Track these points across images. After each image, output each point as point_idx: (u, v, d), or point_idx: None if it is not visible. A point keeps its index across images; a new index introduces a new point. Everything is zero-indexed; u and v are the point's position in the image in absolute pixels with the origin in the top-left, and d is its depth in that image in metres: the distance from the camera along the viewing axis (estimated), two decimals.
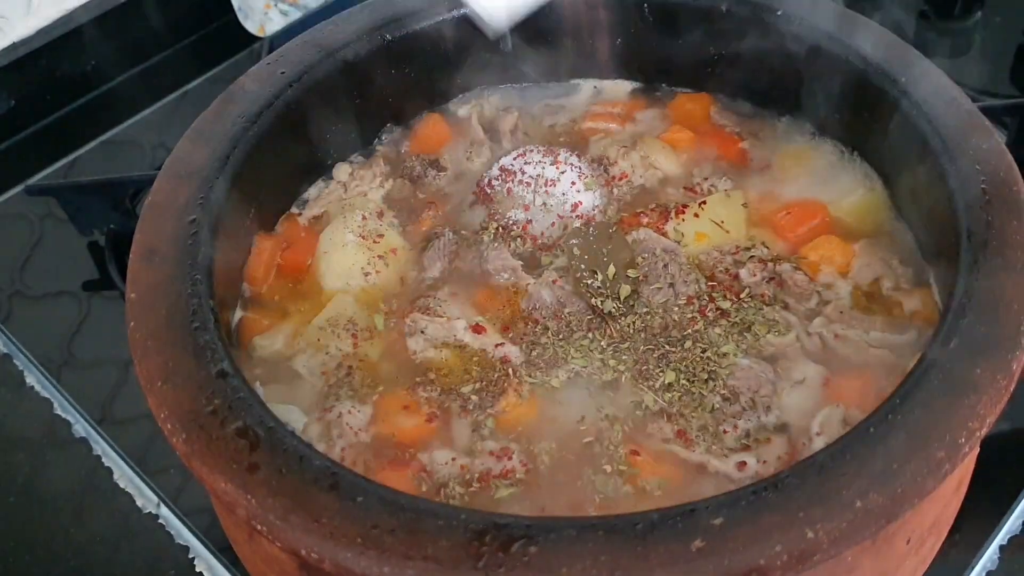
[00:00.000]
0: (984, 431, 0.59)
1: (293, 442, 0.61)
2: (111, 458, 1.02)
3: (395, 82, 0.94)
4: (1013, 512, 0.91)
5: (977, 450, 0.75)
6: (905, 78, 0.79)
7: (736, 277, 0.82)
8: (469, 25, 0.92)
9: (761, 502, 0.56)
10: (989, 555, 0.89)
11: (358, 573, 0.55)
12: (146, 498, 0.99)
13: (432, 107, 1.00)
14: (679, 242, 0.85)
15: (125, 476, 1.01)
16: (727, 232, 0.86)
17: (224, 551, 0.94)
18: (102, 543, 0.96)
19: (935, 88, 0.78)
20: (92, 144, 1.40)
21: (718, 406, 0.74)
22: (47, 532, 0.97)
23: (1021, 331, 0.62)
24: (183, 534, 0.96)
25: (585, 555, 0.54)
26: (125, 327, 1.15)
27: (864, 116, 0.85)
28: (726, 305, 0.80)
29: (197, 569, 0.93)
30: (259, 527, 0.58)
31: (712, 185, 0.90)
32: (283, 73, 0.85)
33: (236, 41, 1.47)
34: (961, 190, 0.71)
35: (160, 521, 0.97)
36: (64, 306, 1.19)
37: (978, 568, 0.88)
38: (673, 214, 0.88)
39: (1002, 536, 0.90)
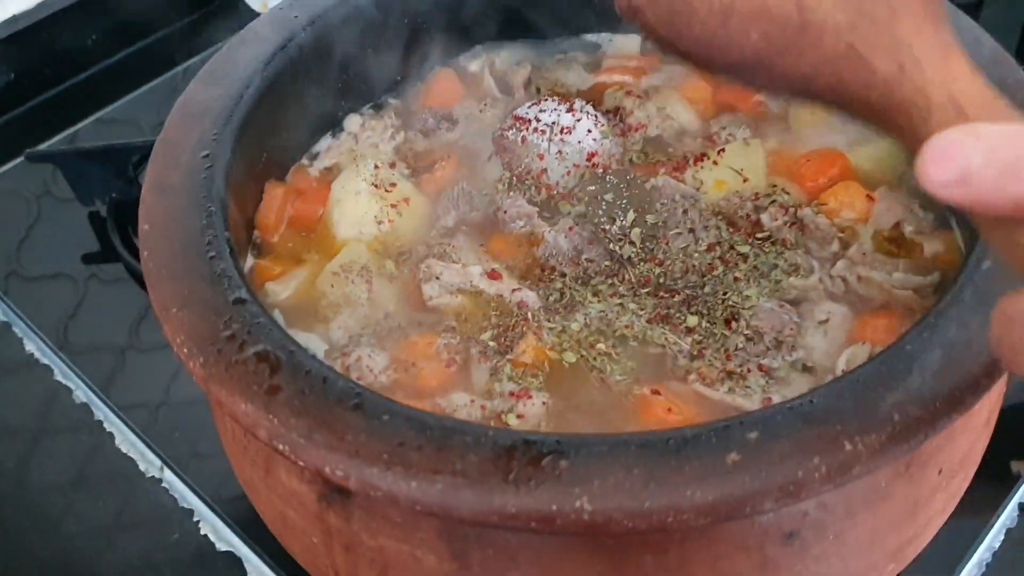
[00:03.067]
0: None
1: (315, 364, 0.60)
2: (112, 423, 1.00)
3: (406, 33, 0.93)
4: None
5: (1004, 388, 0.74)
6: None
7: (757, 223, 0.81)
8: None
9: (797, 416, 0.55)
10: (1008, 513, 0.88)
11: (384, 490, 0.54)
12: (149, 462, 0.97)
13: (444, 62, 0.99)
14: (698, 189, 0.85)
15: (127, 441, 0.99)
16: (746, 180, 0.85)
17: (230, 511, 0.92)
18: (104, 508, 0.94)
19: (955, 25, 0.77)
20: (90, 119, 1.38)
21: (741, 346, 0.73)
22: (47, 500, 0.95)
23: None
24: (188, 497, 0.94)
25: (618, 468, 0.53)
26: (125, 310, 1.13)
27: None
28: (746, 250, 0.79)
29: (202, 532, 0.92)
30: (281, 447, 0.56)
31: (731, 134, 0.90)
32: (296, 17, 0.84)
33: (239, 18, 1.46)
34: None
35: (164, 485, 0.95)
36: (62, 287, 1.17)
37: (997, 526, 0.87)
38: (691, 162, 0.87)
39: (1021, 495, 0.89)
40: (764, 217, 0.81)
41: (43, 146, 1.34)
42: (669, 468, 0.53)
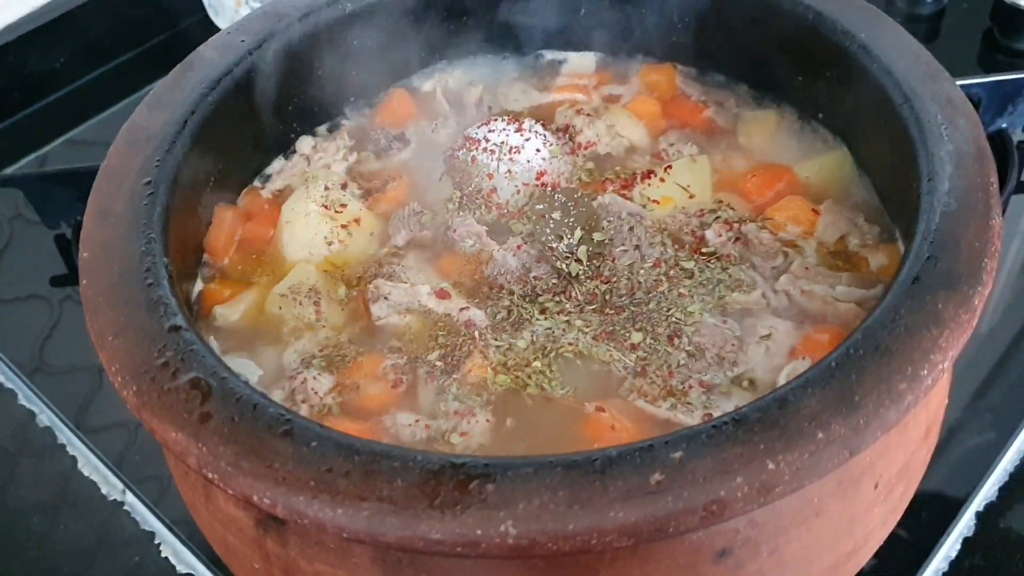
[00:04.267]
0: (947, 364, 0.58)
1: (246, 392, 0.60)
2: (76, 447, 1.01)
3: (357, 54, 0.93)
4: (989, 479, 0.91)
5: (946, 400, 0.74)
6: (864, 33, 0.79)
7: (702, 239, 0.82)
8: None
9: (721, 436, 0.55)
10: (965, 522, 0.88)
11: (311, 517, 0.54)
12: (111, 485, 0.97)
13: (396, 81, 0.99)
14: (645, 207, 0.85)
15: (90, 464, 0.99)
16: (692, 197, 0.85)
17: (190, 535, 0.92)
18: (67, 531, 0.94)
19: (893, 41, 0.78)
20: (59, 141, 1.39)
21: (683, 362, 0.73)
22: (9, 522, 0.95)
23: (982, 268, 0.62)
24: (149, 520, 0.94)
25: (543, 490, 0.53)
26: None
27: (824, 75, 0.85)
28: (691, 266, 0.79)
29: (163, 555, 0.92)
30: (210, 475, 0.56)
31: (678, 151, 0.90)
32: (243, 41, 0.85)
33: (208, 38, 1.47)
34: (921, 137, 0.71)
35: (125, 508, 0.96)
36: (36, 309, 1.17)
37: (954, 534, 0.87)
38: (639, 179, 0.87)
39: (978, 503, 0.89)
40: (709, 233, 0.82)
41: (12, 168, 1.35)
42: (594, 489, 0.53)
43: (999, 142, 0.98)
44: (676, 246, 0.81)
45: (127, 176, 0.74)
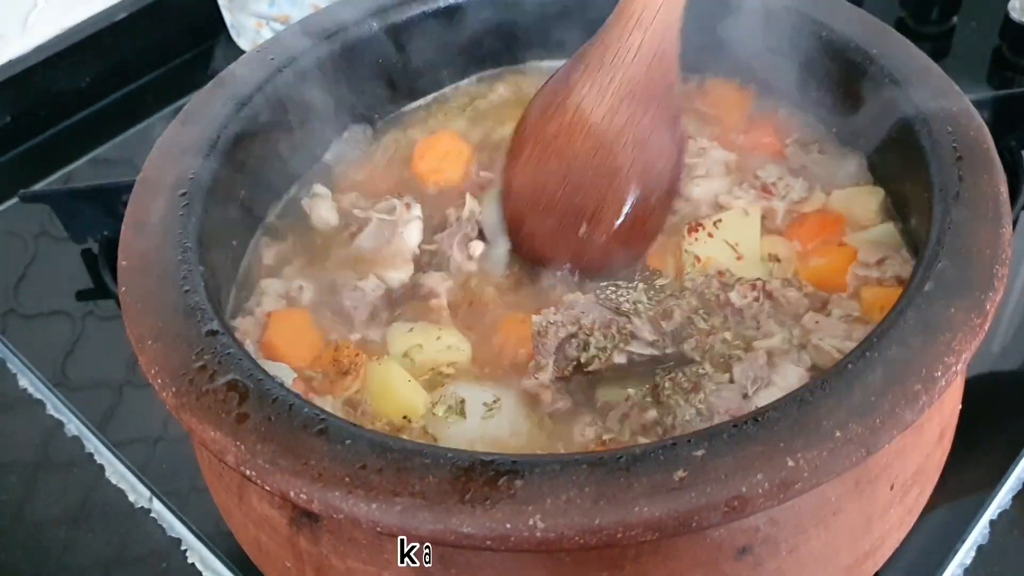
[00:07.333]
0: (960, 366, 0.60)
1: (282, 393, 0.62)
2: (103, 456, 1.03)
3: (384, 74, 0.96)
4: (1002, 487, 0.92)
5: (959, 405, 0.76)
6: (876, 49, 0.81)
7: (727, 302, 0.80)
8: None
9: (742, 434, 0.56)
10: (979, 529, 0.89)
11: (346, 512, 0.56)
12: (138, 493, 0.99)
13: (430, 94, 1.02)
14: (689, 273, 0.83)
15: (117, 473, 1.01)
16: (740, 258, 0.83)
17: (215, 540, 0.94)
18: (96, 539, 0.96)
19: (904, 56, 0.80)
20: (84, 159, 1.42)
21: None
22: (41, 532, 0.97)
23: (993, 274, 0.64)
24: (176, 527, 0.96)
25: (570, 486, 0.55)
26: (121, 347, 1.16)
27: (838, 91, 0.87)
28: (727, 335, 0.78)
29: (189, 561, 0.94)
30: (248, 473, 0.58)
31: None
32: (272, 59, 0.87)
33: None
34: (933, 150, 0.73)
35: (152, 515, 0.97)
36: (59, 324, 1.20)
37: (969, 542, 0.88)
38: (686, 233, 0.85)
39: (992, 511, 0.91)
40: (733, 295, 0.80)
41: (38, 186, 1.37)
42: (619, 485, 0.55)
43: (1008, 158, 0.99)
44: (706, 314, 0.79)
45: (162, 188, 0.76)
